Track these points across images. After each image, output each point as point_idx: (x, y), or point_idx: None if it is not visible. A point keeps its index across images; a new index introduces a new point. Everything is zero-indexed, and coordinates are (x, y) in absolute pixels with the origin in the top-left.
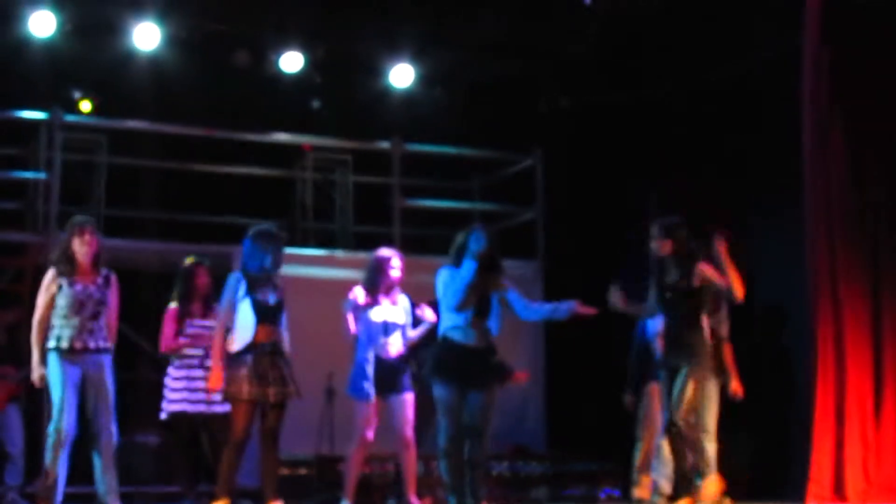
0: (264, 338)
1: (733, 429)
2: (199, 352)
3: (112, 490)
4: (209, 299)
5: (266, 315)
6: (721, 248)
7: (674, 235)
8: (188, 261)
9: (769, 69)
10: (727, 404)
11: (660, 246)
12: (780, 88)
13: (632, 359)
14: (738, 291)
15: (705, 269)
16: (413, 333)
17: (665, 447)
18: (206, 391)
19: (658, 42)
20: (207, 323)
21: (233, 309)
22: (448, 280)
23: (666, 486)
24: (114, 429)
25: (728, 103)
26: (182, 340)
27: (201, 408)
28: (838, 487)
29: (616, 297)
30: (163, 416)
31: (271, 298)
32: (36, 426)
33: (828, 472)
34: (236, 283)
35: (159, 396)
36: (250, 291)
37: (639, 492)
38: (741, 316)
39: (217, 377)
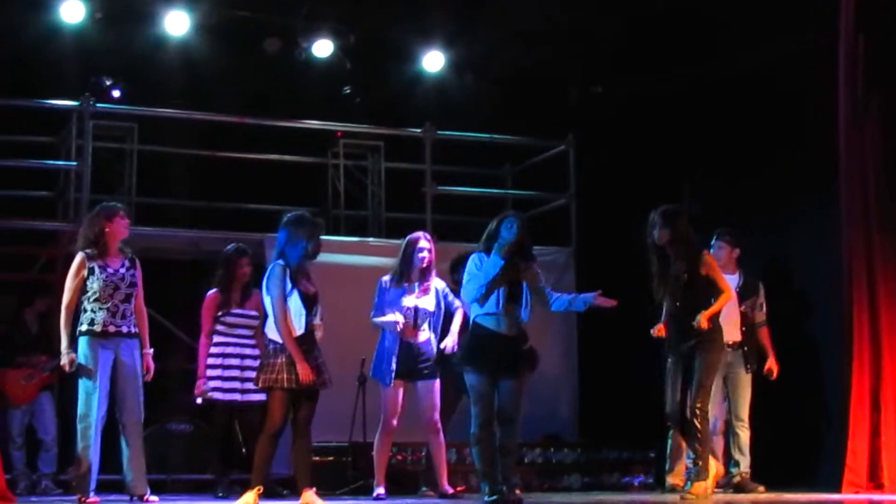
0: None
1: (766, 417)
2: (234, 340)
3: (140, 477)
4: (248, 288)
5: (311, 305)
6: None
7: (673, 224)
8: (231, 248)
9: (804, 56)
10: (759, 393)
11: (660, 235)
12: (814, 76)
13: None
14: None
15: (711, 261)
16: (454, 328)
17: None
18: (241, 380)
19: (691, 29)
20: (246, 312)
21: (286, 299)
22: (474, 270)
23: None
24: (142, 415)
25: (762, 91)
26: (200, 360)
27: (234, 396)
28: (874, 475)
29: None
30: (198, 401)
31: (311, 288)
32: (68, 414)
33: (863, 459)
34: (284, 273)
35: (192, 384)
36: (294, 282)
37: (672, 479)
38: (778, 303)
39: (307, 369)
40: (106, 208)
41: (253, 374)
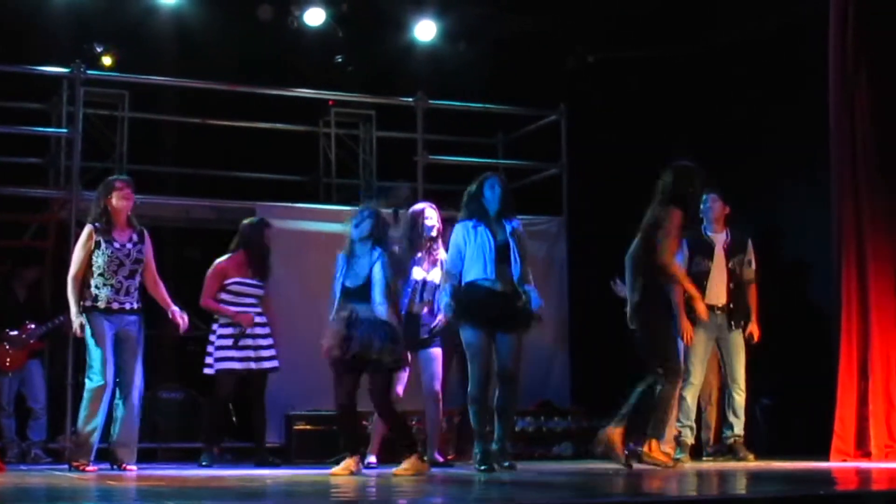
0: None
1: (758, 384)
2: (242, 309)
3: (126, 444)
4: (263, 259)
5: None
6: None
7: None
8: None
9: (797, 26)
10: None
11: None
12: (808, 45)
13: None
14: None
15: None
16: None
17: (688, 399)
18: (254, 348)
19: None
20: (252, 281)
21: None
22: (461, 242)
23: (689, 437)
24: (141, 386)
25: (756, 59)
26: (221, 306)
27: (250, 364)
28: (861, 443)
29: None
30: (210, 371)
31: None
32: (58, 382)
33: (851, 427)
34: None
35: (183, 353)
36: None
37: (664, 447)
38: (768, 271)
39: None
40: (105, 184)
41: (264, 342)
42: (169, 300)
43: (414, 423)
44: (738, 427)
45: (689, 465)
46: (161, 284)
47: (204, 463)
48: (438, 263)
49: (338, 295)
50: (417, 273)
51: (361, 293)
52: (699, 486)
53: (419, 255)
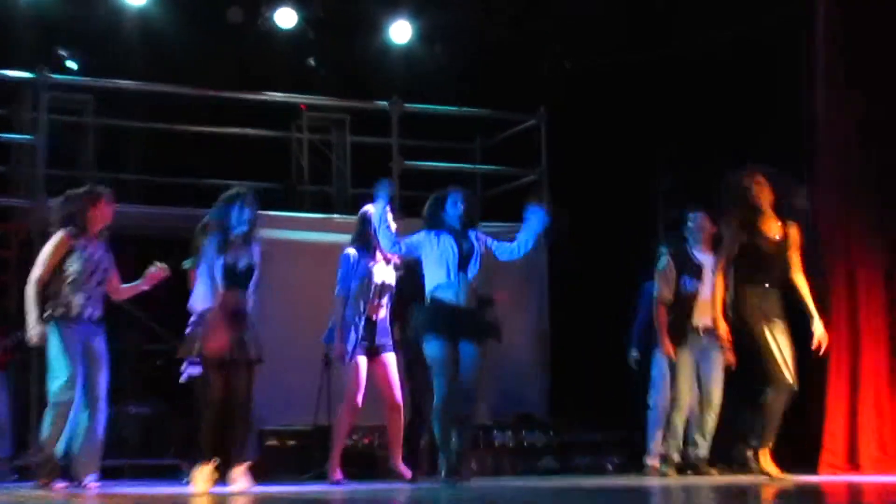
0: None
1: (742, 399)
2: None
3: (88, 459)
4: None
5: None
6: None
7: None
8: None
9: (780, 29)
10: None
11: None
12: (793, 48)
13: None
14: None
15: None
16: None
17: (676, 417)
18: None
19: (666, 1)
20: None
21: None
22: (427, 245)
23: (676, 456)
24: (105, 399)
25: (736, 64)
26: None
27: None
28: (852, 456)
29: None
30: (183, 378)
31: None
32: (23, 397)
33: (841, 441)
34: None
35: (151, 366)
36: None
37: (652, 461)
38: None
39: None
40: (92, 192)
41: None
42: (136, 287)
43: (377, 438)
44: (704, 450)
45: (675, 480)
46: (123, 290)
47: (187, 481)
48: (391, 264)
49: (219, 279)
50: (377, 276)
51: (243, 282)
52: (690, 501)
53: (374, 257)
